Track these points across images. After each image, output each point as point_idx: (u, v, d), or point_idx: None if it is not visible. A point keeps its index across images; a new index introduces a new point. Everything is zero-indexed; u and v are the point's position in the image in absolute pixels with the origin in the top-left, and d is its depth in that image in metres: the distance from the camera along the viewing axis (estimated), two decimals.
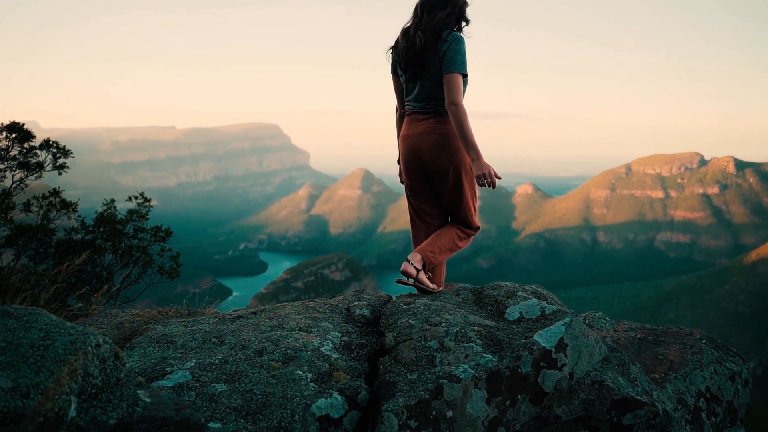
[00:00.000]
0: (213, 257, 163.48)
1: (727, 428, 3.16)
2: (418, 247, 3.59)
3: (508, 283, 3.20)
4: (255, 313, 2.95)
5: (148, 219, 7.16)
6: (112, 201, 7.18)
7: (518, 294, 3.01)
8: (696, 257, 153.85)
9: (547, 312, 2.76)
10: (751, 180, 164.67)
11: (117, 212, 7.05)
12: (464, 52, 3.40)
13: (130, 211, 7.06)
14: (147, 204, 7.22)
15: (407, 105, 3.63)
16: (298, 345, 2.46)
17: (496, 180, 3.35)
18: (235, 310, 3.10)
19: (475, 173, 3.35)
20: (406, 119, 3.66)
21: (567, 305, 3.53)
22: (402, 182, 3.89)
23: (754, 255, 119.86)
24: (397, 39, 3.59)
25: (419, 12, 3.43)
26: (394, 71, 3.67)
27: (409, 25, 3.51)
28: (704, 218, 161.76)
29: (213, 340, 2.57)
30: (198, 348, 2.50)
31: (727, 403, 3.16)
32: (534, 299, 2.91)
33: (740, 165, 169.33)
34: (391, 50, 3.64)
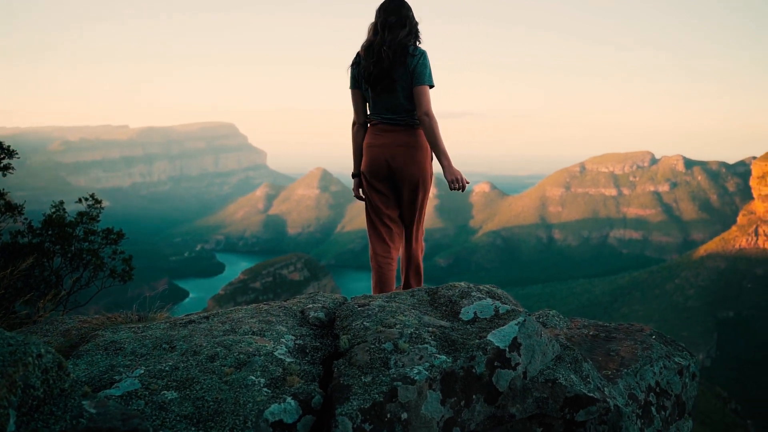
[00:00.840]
0: (169, 259, 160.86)
1: (675, 421, 3.24)
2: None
3: (462, 283, 3.21)
4: (207, 318, 2.90)
5: (99, 221, 6.98)
6: (61, 203, 6.97)
7: (473, 294, 3.02)
8: (648, 253, 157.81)
9: (500, 312, 2.78)
10: (699, 178, 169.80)
11: (66, 214, 6.84)
12: (430, 66, 3.74)
13: (80, 213, 6.87)
14: (98, 206, 7.03)
15: (374, 116, 3.87)
16: (251, 349, 2.42)
17: (466, 184, 3.71)
18: (187, 315, 3.04)
19: (448, 178, 3.67)
20: (371, 129, 3.91)
21: (523, 302, 3.61)
22: (356, 196, 4.16)
23: (702, 250, 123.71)
24: (358, 55, 3.82)
25: (381, 30, 3.70)
26: (355, 86, 3.87)
27: (371, 42, 3.74)
28: (655, 215, 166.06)
29: (164, 346, 2.51)
30: (148, 355, 2.44)
31: (676, 397, 3.23)
32: (488, 299, 2.93)
33: (689, 163, 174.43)
34: (352, 67, 3.85)
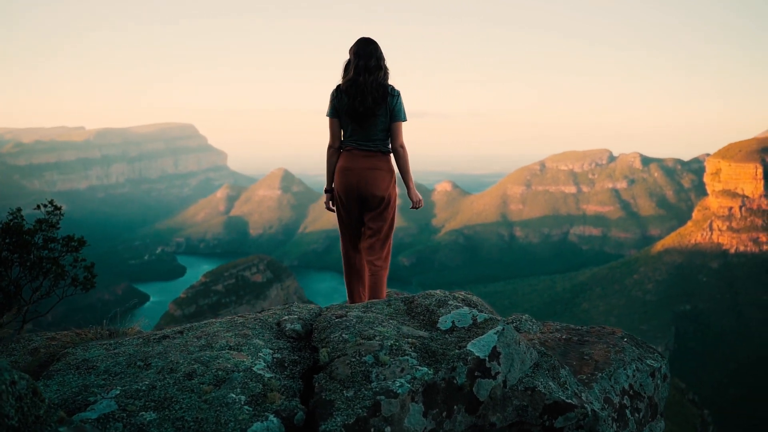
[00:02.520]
0: (128, 262, 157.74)
1: (648, 423, 3.29)
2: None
3: (438, 292, 3.21)
4: (182, 332, 2.83)
5: (59, 228, 6.78)
6: (19, 210, 6.75)
7: (449, 303, 3.02)
8: (607, 249, 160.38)
9: (478, 320, 2.78)
10: (656, 174, 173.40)
11: (24, 221, 6.63)
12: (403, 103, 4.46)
13: (39, 220, 6.66)
14: (57, 212, 6.83)
15: (351, 142, 4.43)
16: (229, 365, 2.37)
17: (422, 205, 4.55)
18: (160, 329, 2.97)
19: (414, 199, 4.49)
20: (346, 155, 4.45)
21: (487, 299, 3.66)
22: (327, 208, 4.71)
23: (659, 245, 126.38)
24: (339, 89, 4.35)
25: (362, 72, 4.25)
26: (334, 115, 4.43)
27: (355, 81, 4.25)
28: (614, 212, 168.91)
29: (138, 363, 2.45)
30: (122, 373, 2.37)
31: (649, 399, 3.28)
32: (465, 307, 2.93)
33: (646, 161, 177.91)
34: (332, 99, 4.39)
